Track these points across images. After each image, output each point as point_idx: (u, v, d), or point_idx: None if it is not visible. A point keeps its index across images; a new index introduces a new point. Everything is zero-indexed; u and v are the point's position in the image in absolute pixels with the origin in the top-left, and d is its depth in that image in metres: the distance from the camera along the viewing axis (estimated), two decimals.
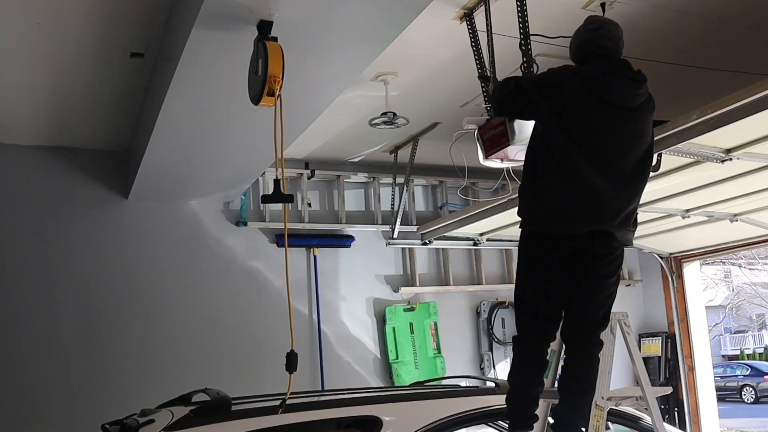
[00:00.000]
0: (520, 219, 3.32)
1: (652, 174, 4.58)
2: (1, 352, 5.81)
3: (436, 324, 7.54)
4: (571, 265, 3.18)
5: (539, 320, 3.25)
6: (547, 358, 3.33)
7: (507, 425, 3.30)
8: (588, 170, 3.09)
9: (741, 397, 21.81)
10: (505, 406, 3.34)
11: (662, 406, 6.98)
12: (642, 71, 3.29)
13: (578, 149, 3.11)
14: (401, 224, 7.37)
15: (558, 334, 3.31)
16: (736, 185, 5.38)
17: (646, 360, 7.88)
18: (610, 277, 3.23)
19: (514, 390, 3.27)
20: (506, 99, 3.35)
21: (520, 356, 3.30)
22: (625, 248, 3.30)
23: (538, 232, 3.22)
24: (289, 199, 3.58)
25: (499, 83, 3.47)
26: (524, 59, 4.18)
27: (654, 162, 4.50)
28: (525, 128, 3.85)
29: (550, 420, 3.40)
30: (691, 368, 8.08)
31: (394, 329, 7.33)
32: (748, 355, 29.22)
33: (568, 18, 4.43)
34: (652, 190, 5.40)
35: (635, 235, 3.35)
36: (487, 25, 4.35)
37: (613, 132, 3.14)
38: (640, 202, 3.33)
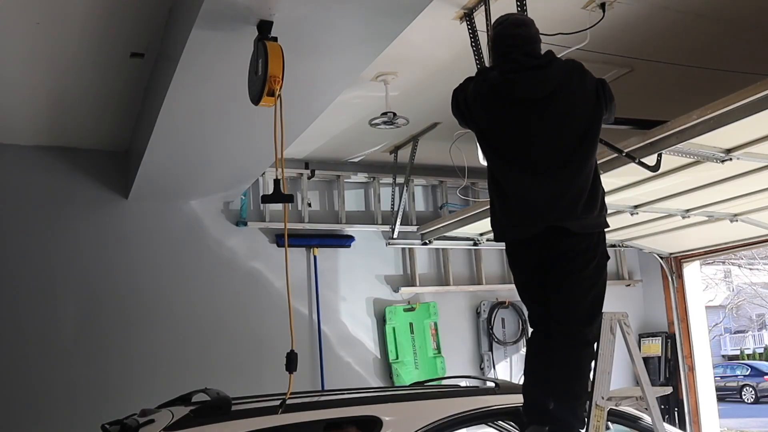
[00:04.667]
0: None
1: (652, 174, 4.62)
2: (2, 352, 5.81)
3: (436, 324, 7.54)
4: (545, 266, 3.18)
5: (535, 321, 3.32)
6: None
7: (523, 420, 3.31)
8: (513, 174, 3.14)
9: (741, 397, 21.81)
10: (504, 406, 3.36)
11: (662, 406, 6.98)
12: (551, 51, 3.21)
13: (500, 157, 3.19)
14: (401, 224, 7.37)
15: None
16: (736, 185, 5.38)
17: (646, 360, 7.88)
18: (581, 271, 3.11)
19: (527, 386, 3.30)
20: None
21: (528, 353, 3.39)
22: (601, 237, 3.20)
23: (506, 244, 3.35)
24: (289, 199, 3.58)
25: None
26: None
27: (655, 163, 4.53)
28: None
29: None
30: (691, 368, 8.09)
31: (394, 329, 7.33)
32: (748, 355, 29.22)
33: (568, 18, 4.45)
34: (652, 190, 5.41)
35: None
36: (487, 25, 4.35)
37: (532, 126, 3.08)
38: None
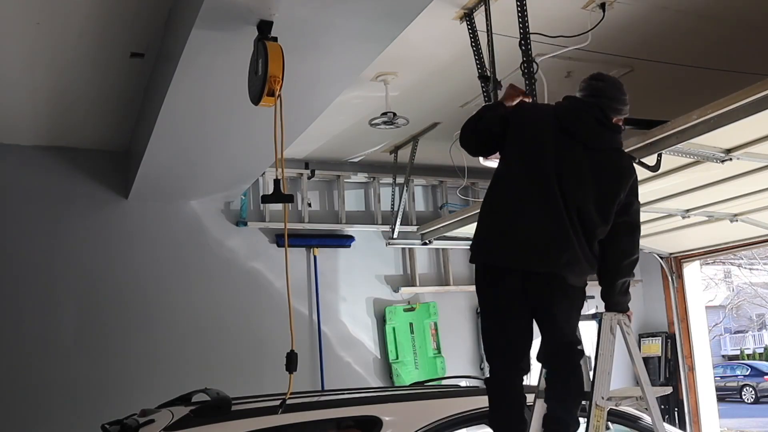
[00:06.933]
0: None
1: (652, 174, 4.62)
2: (2, 352, 5.81)
3: (436, 324, 7.54)
4: (530, 300, 3.11)
5: (504, 362, 3.16)
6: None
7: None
8: (540, 203, 3.05)
9: (741, 397, 21.81)
10: None
11: (662, 406, 6.97)
12: (619, 126, 3.26)
13: (531, 182, 3.09)
14: (401, 224, 7.37)
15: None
16: (736, 185, 5.37)
17: (646, 360, 7.87)
18: (572, 308, 3.17)
19: None
20: (484, 129, 3.32)
21: (493, 399, 3.17)
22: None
23: (484, 268, 3.20)
24: (289, 199, 3.58)
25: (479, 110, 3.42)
26: (524, 59, 4.18)
27: (655, 163, 4.53)
28: None
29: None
30: (691, 368, 8.08)
31: (394, 329, 7.33)
32: (748, 355, 29.24)
33: (568, 18, 4.45)
34: (652, 190, 5.40)
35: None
36: (487, 25, 4.35)
37: (572, 166, 3.09)
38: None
